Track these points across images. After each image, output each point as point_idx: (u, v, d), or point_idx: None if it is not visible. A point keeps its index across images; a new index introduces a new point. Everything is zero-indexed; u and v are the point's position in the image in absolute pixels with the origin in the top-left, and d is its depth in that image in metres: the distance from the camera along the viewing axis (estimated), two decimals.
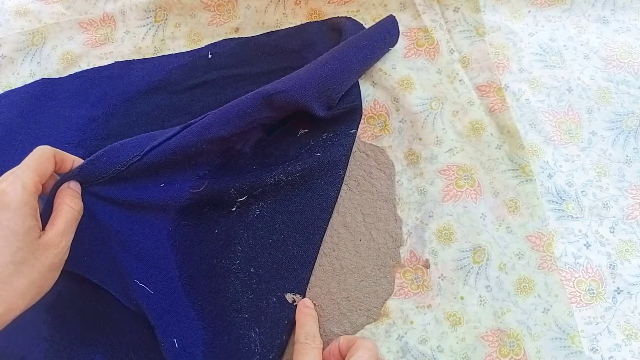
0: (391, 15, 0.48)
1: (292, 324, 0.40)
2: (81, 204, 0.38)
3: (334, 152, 0.44)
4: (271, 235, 0.43)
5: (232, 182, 0.43)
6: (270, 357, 0.39)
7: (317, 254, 0.42)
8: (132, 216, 0.42)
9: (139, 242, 0.41)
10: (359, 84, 0.47)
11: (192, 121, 0.43)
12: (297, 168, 0.43)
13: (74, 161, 0.39)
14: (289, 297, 0.41)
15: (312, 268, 0.42)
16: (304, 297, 0.41)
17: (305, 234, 0.42)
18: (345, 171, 0.44)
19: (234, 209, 0.43)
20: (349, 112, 0.46)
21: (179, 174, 0.43)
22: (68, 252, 0.36)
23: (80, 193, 0.39)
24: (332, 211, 0.43)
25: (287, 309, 0.40)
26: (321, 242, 0.42)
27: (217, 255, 0.43)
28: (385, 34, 0.47)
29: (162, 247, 0.42)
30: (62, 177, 0.38)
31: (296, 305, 0.40)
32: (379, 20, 0.49)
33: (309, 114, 0.43)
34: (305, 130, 0.46)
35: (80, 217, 0.38)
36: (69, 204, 0.37)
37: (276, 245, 0.42)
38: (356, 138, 0.46)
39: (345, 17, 0.50)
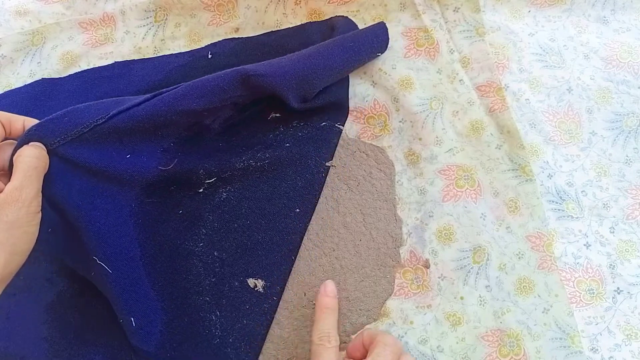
0: (382, 22, 0.48)
1: (253, 309, 0.40)
2: (42, 152, 0.36)
3: (303, 143, 0.44)
4: (236, 220, 0.43)
5: (202, 163, 0.42)
6: (230, 340, 0.40)
7: (285, 242, 0.42)
8: (94, 188, 0.40)
9: (100, 218, 0.40)
10: (348, 81, 0.47)
11: (164, 90, 0.41)
12: (267, 155, 0.43)
13: (24, 120, 0.38)
14: (251, 282, 0.41)
15: (281, 255, 0.42)
16: (268, 283, 0.41)
17: (271, 221, 0.42)
18: (319, 163, 0.44)
19: (201, 190, 0.43)
20: (327, 106, 0.45)
21: (145, 145, 0.41)
22: (38, 205, 0.34)
23: (42, 146, 0.36)
24: (302, 201, 0.43)
25: (248, 294, 0.41)
26: (288, 230, 0.42)
27: (180, 236, 0.42)
28: (374, 38, 0.46)
29: (125, 224, 0.41)
30: (20, 139, 0.37)
31: (258, 290, 0.40)
32: (377, 20, 0.49)
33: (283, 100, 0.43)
34: (277, 115, 0.45)
35: (44, 165, 0.36)
36: (26, 154, 0.35)
37: (241, 230, 0.42)
38: (356, 138, 0.46)
39: (341, 16, 0.50)
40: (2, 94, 0.50)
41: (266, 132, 0.45)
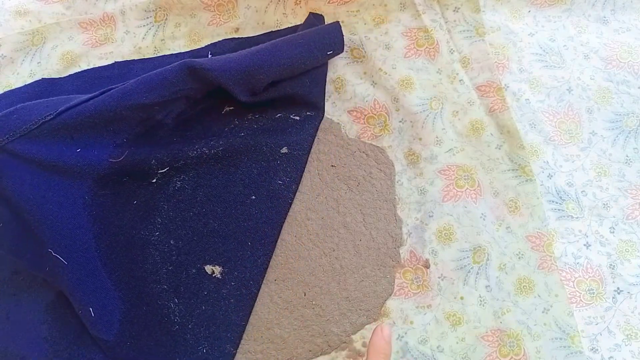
0: (337, 22, 0.48)
1: (211, 295, 0.41)
2: None
3: (258, 133, 0.44)
4: (192, 208, 0.43)
5: (153, 153, 0.43)
6: (190, 326, 0.40)
7: (242, 228, 0.42)
8: (46, 182, 0.40)
9: (53, 211, 0.40)
10: (319, 76, 0.47)
11: (113, 86, 0.42)
12: (220, 142, 0.43)
13: None
14: (208, 268, 0.41)
15: (238, 242, 0.42)
16: (226, 269, 0.41)
17: (227, 209, 0.43)
18: (274, 150, 0.44)
19: (155, 180, 0.43)
20: (283, 99, 0.45)
21: (96, 140, 0.42)
22: None
23: None
24: (257, 188, 0.43)
25: (206, 280, 0.41)
26: (245, 217, 0.43)
27: (135, 226, 0.43)
28: (325, 36, 0.46)
29: (78, 216, 0.41)
30: None
31: (216, 276, 0.41)
32: (377, 20, 0.49)
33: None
34: (231, 108, 0.46)
35: None
36: None
37: (197, 218, 0.43)
38: (356, 138, 0.46)
39: (314, 14, 0.50)
40: (2, 94, 0.50)
41: (221, 125, 0.45)
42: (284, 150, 0.44)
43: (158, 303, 0.41)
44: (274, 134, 0.44)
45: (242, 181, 0.43)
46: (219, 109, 0.46)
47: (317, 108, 0.46)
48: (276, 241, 0.43)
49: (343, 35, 0.47)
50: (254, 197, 0.43)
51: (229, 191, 0.43)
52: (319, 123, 0.46)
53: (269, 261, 0.43)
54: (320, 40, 0.45)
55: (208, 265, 0.41)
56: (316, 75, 0.46)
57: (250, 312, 0.42)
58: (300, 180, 0.44)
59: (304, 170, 0.45)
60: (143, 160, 0.43)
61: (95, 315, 0.40)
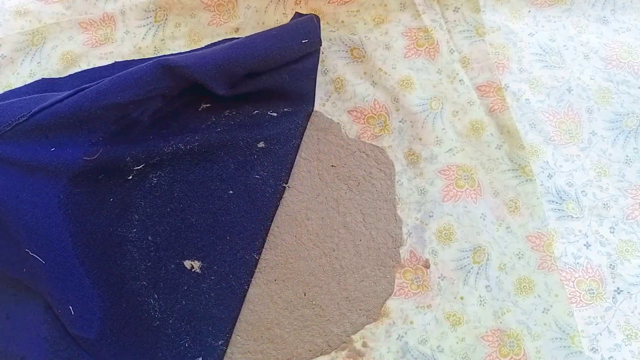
0: (312, 14, 0.48)
1: (191, 289, 0.41)
2: None
3: (234, 128, 0.44)
4: (169, 204, 0.43)
5: (128, 150, 0.43)
6: (170, 321, 0.41)
7: (220, 222, 0.43)
8: (19, 182, 0.40)
9: (28, 211, 0.40)
10: (311, 74, 0.47)
11: (86, 85, 0.42)
12: (196, 138, 0.43)
13: None
14: (187, 263, 0.42)
15: (216, 236, 0.42)
16: (205, 264, 0.42)
17: (205, 204, 0.43)
18: (250, 144, 0.44)
19: (130, 177, 0.43)
20: (262, 94, 0.45)
21: (71, 139, 0.42)
22: None
23: None
24: (234, 182, 0.43)
25: (186, 275, 0.41)
26: (222, 211, 0.43)
27: (112, 223, 0.43)
28: (299, 26, 0.46)
29: (54, 215, 0.41)
30: None
31: (195, 271, 0.41)
32: (377, 20, 0.49)
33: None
34: (207, 105, 0.46)
35: None
36: None
37: (174, 214, 0.43)
38: (356, 138, 0.46)
39: (299, 14, 0.50)
40: (2, 94, 0.50)
41: (198, 122, 0.45)
42: (261, 144, 0.44)
43: (138, 299, 0.41)
44: (251, 129, 0.45)
45: (219, 176, 0.43)
46: (195, 106, 0.46)
47: (300, 102, 0.46)
48: (261, 235, 0.43)
49: (319, 27, 0.47)
50: (231, 191, 0.43)
51: (206, 186, 0.43)
52: (303, 118, 0.46)
53: (253, 255, 0.43)
54: (294, 31, 0.46)
55: (187, 260, 0.42)
56: (299, 69, 0.46)
57: (236, 305, 0.42)
58: (282, 175, 0.44)
59: (288, 165, 0.45)
60: (118, 157, 0.43)
61: (75, 313, 0.40)
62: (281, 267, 0.43)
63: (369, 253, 0.43)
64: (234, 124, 0.45)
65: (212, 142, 0.43)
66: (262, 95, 0.46)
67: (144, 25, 0.52)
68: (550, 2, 0.50)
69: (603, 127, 0.45)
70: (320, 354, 0.41)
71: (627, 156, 0.44)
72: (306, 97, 0.47)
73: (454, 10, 0.49)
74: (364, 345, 0.41)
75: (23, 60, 0.51)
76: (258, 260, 0.43)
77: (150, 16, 0.52)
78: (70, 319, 0.40)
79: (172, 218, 0.43)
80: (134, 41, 0.51)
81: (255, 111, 0.46)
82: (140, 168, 0.43)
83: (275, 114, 0.45)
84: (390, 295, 0.42)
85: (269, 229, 0.44)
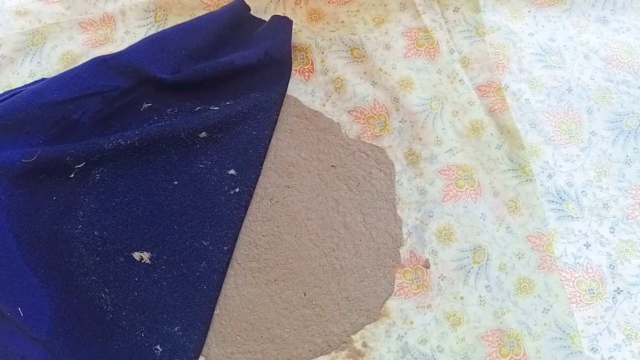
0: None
1: (142, 280, 0.42)
2: None
3: (174, 123, 0.45)
4: (114, 199, 0.44)
5: (67, 150, 0.43)
6: (124, 313, 0.41)
7: (166, 213, 0.43)
8: None
9: None
10: (288, 73, 0.48)
11: (22, 86, 0.42)
12: (136, 132, 0.44)
13: None
14: (136, 255, 0.42)
15: (164, 226, 0.43)
16: (154, 254, 0.42)
17: (150, 195, 0.44)
18: (192, 135, 0.44)
19: (72, 175, 0.44)
20: (205, 84, 0.46)
21: (10, 142, 0.42)
22: None
23: None
24: (179, 173, 0.44)
25: (136, 267, 0.42)
26: (168, 202, 0.43)
27: (57, 221, 0.43)
28: (229, 7, 0.48)
29: None
30: None
31: (145, 262, 0.42)
32: (377, 20, 0.49)
33: (153, 87, 0.44)
34: (149, 105, 0.46)
35: None
36: None
37: (120, 208, 0.43)
38: (356, 138, 0.46)
39: (277, 16, 0.50)
40: (2, 94, 0.50)
41: (140, 122, 0.46)
42: (203, 134, 0.45)
43: (88, 295, 0.41)
44: (191, 121, 0.45)
45: (163, 168, 0.44)
46: (137, 106, 0.46)
47: (250, 92, 0.47)
48: (209, 222, 0.43)
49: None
50: (176, 182, 0.44)
51: (149, 179, 0.44)
52: (253, 107, 0.46)
53: (202, 242, 0.43)
54: (224, 9, 0.48)
55: (136, 252, 0.42)
56: (249, 56, 0.47)
57: (190, 292, 0.42)
58: (226, 163, 0.45)
59: (233, 153, 0.45)
60: (57, 158, 0.43)
61: (25, 314, 0.40)
62: (281, 267, 0.43)
63: (369, 253, 0.43)
64: (176, 119, 0.46)
65: (152, 136, 0.44)
66: (206, 87, 0.46)
67: (144, 25, 0.52)
68: (550, 2, 0.50)
69: (603, 127, 0.45)
70: (320, 354, 0.41)
71: (627, 156, 0.44)
72: (264, 85, 0.47)
73: (454, 10, 0.49)
74: (364, 345, 0.41)
75: (23, 60, 0.51)
76: (229, 250, 0.43)
77: (150, 16, 0.52)
78: (21, 321, 0.40)
79: (118, 212, 0.43)
80: (134, 41, 0.51)
81: (197, 107, 0.46)
82: (82, 166, 0.44)
83: (216, 108, 0.46)
84: (390, 295, 0.42)
85: (231, 217, 0.44)
